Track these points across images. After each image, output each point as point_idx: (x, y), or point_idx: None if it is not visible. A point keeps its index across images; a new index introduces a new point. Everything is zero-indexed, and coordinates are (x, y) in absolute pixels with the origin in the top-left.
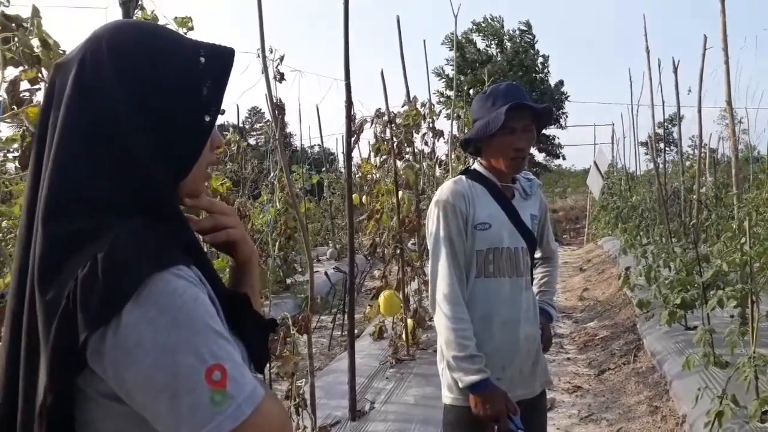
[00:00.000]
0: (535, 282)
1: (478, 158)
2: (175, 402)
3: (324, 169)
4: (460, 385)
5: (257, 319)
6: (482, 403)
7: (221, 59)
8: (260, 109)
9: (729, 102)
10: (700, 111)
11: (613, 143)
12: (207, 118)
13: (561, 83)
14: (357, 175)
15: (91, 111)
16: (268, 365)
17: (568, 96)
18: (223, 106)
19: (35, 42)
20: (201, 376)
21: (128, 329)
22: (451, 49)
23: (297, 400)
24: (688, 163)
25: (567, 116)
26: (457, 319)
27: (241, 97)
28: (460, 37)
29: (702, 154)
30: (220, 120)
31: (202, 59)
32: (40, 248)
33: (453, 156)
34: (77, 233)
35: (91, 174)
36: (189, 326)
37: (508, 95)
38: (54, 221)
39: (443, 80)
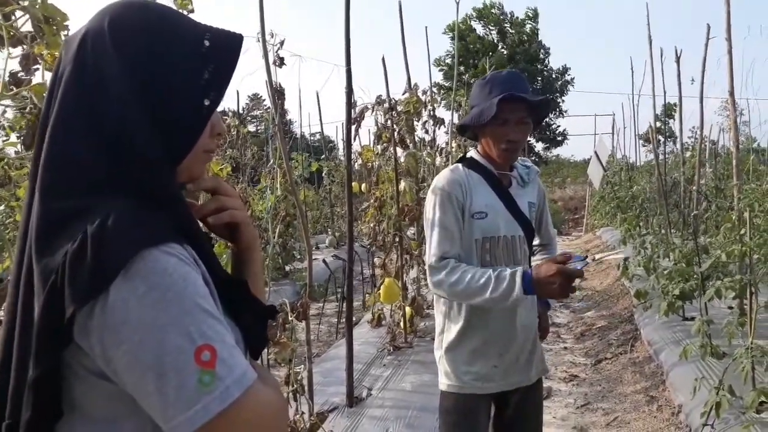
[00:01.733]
0: None
1: (476, 146)
2: (162, 382)
3: (323, 156)
4: (521, 300)
5: (256, 305)
6: (545, 288)
7: (227, 45)
8: (260, 96)
9: (731, 93)
10: (701, 101)
11: (613, 133)
12: (206, 103)
13: (565, 69)
14: (357, 163)
15: (89, 89)
16: (265, 351)
17: (573, 79)
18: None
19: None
20: (190, 355)
21: (116, 306)
22: (451, 39)
23: (294, 386)
24: (688, 154)
25: (564, 106)
26: (459, 278)
27: (241, 82)
28: (460, 25)
29: (702, 145)
30: (220, 106)
31: (207, 42)
32: (36, 224)
33: (454, 144)
34: (71, 210)
35: (87, 153)
36: (178, 304)
37: (505, 84)
38: (50, 197)
39: (443, 70)
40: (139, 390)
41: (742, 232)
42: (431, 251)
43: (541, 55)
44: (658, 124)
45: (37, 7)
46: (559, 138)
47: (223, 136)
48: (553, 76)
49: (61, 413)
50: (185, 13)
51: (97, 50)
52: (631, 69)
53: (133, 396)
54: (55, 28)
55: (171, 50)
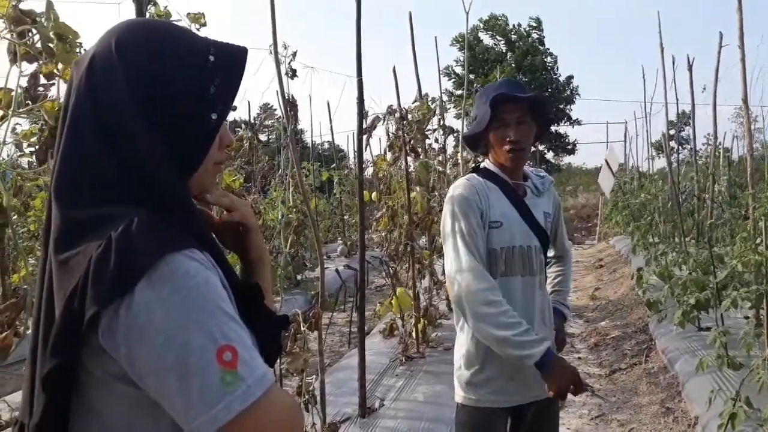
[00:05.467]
0: (548, 281)
1: (487, 158)
2: (185, 382)
3: (334, 166)
4: (530, 361)
5: (269, 313)
6: (559, 372)
7: (232, 58)
8: (272, 106)
9: (745, 100)
10: (714, 109)
11: (625, 141)
12: (214, 117)
13: (570, 78)
14: (368, 172)
15: (99, 107)
16: (278, 362)
17: (577, 88)
18: (235, 103)
19: (51, 35)
20: (212, 356)
21: (140, 308)
22: (459, 50)
23: (306, 396)
24: (701, 162)
25: (575, 115)
26: (495, 302)
27: (254, 95)
28: (468, 35)
29: (716, 153)
30: (231, 116)
31: (212, 57)
32: (55, 230)
33: (464, 154)
34: (91, 218)
35: (100, 166)
36: (201, 307)
37: (499, 89)
38: (69, 206)
39: (452, 80)
40: (162, 391)
41: (758, 241)
42: (463, 260)
43: (549, 64)
44: (672, 131)
45: (51, 25)
46: (569, 147)
47: (233, 147)
48: (561, 86)
49: (67, 416)
50: (197, 27)
51: (105, 70)
52: (643, 77)
53: (156, 398)
54: (68, 45)
55: (176, 67)
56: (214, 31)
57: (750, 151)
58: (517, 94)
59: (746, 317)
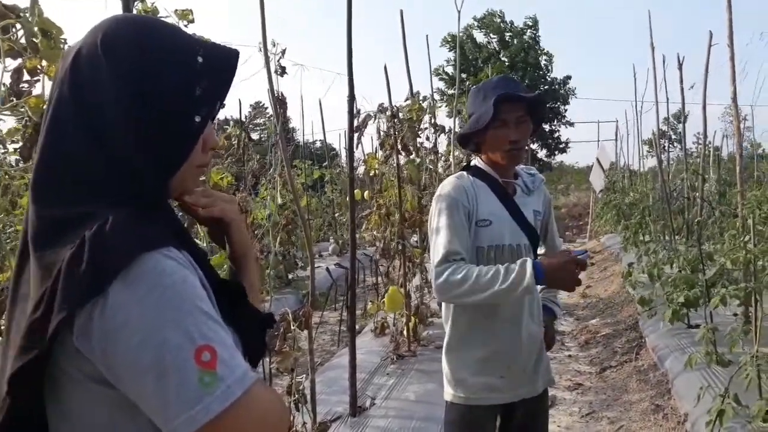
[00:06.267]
0: None
1: (479, 155)
2: (163, 382)
3: (325, 164)
4: (530, 291)
5: (253, 312)
6: (556, 277)
7: (221, 61)
8: (263, 104)
9: (734, 99)
10: (704, 108)
11: (616, 140)
12: (197, 119)
13: (568, 78)
14: (359, 170)
15: (83, 103)
16: (267, 360)
17: (575, 90)
18: (225, 101)
19: (35, 30)
20: (190, 356)
21: (116, 308)
22: (449, 50)
23: (296, 395)
24: (691, 160)
25: (568, 115)
26: (459, 279)
27: (246, 93)
28: (461, 34)
29: (706, 151)
30: (221, 114)
31: (200, 59)
32: (32, 228)
33: (456, 153)
34: (67, 215)
35: (80, 161)
36: (178, 306)
37: (499, 87)
38: (45, 203)
39: (443, 80)
40: (139, 392)
41: (746, 239)
42: (437, 253)
43: (543, 62)
44: (664, 127)
45: (35, 21)
46: (562, 145)
47: (217, 150)
48: (555, 86)
49: (44, 420)
50: (185, 24)
51: (90, 64)
52: (634, 76)
53: (134, 399)
54: (53, 41)
55: (162, 65)
56: (213, 29)
57: (739, 149)
58: (519, 93)
59: (735, 314)
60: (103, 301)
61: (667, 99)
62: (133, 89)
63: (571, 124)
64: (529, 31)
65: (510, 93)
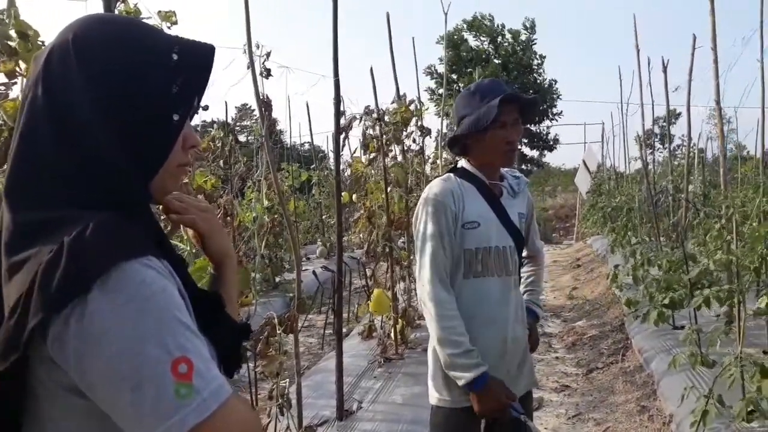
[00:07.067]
0: (521, 281)
1: (465, 157)
2: (138, 393)
3: (313, 166)
4: (460, 383)
5: (229, 322)
6: (485, 398)
7: (198, 57)
8: (249, 106)
9: (718, 102)
10: (689, 110)
11: (603, 142)
12: (175, 118)
13: (554, 81)
14: (346, 173)
15: (56, 105)
16: (252, 365)
17: (561, 95)
18: (209, 103)
19: (12, 33)
20: (166, 367)
21: (93, 317)
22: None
23: (281, 400)
24: (676, 162)
25: (560, 113)
26: (446, 317)
27: (227, 93)
28: (453, 35)
29: (691, 154)
30: (206, 116)
31: (175, 56)
32: (7, 234)
33: (444, 155)
34: (44, 220)
35: (55, 164)
36: (156, 317)
37: (496, 90)
38: (20, 207)
39: (434, 79)
40: (113, 402)
41: (728, 238)
42: (428, 268)
43: (535, 63)
44: (654, 128)
45: (11, 23)
46: (551, 143)
47: (198, 149)
48: (545, 86)
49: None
50: (168, 26)
51: (63, 64)
52: (620, 78)
53: (106, 409)
54: (30, 44)
55: (136, 63)
56: (185, 29)
57: (723, 151)
58: (519, 95)
59: (718, 315)
60: (81, 308)
61: (653, 101)
62: (106, 89)
63: (561, 115)
64: (525, 33)
65: (514, 94)
